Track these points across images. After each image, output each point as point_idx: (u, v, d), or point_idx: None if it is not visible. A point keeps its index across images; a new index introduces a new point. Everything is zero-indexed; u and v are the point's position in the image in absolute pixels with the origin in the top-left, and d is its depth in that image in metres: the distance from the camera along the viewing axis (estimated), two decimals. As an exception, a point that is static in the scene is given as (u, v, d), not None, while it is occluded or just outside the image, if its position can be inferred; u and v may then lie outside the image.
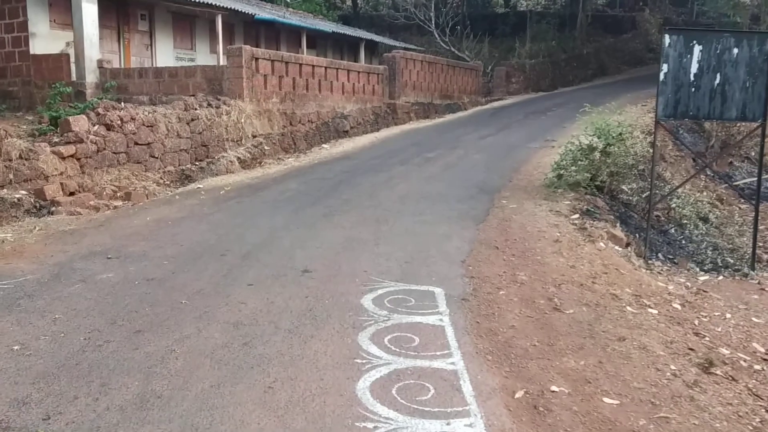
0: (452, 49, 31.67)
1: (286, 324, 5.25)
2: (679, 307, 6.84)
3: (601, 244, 8.37)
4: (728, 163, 18.47)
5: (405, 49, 25.78)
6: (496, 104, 26.54)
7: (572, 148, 10.80)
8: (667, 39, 8.97)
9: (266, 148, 14.62)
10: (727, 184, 14.68)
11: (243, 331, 5.09)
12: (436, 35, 31.93)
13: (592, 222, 9.05)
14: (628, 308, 6.21)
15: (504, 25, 36.50)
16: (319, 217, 9.11)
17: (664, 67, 9.00)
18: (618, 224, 9.45)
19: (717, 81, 9.03)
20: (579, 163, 10.55)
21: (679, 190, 11.53)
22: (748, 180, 16.39)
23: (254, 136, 14.58)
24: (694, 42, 8.97)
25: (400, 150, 15.47)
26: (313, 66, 17.25)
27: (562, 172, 10.53)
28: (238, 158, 13.65)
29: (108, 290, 6.01)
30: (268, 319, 5.35)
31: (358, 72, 19.66)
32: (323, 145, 16.29)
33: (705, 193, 14.20)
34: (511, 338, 5.18)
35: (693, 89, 9.03)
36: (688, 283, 8.28)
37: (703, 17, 41.37)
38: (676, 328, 5.91)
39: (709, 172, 17.91)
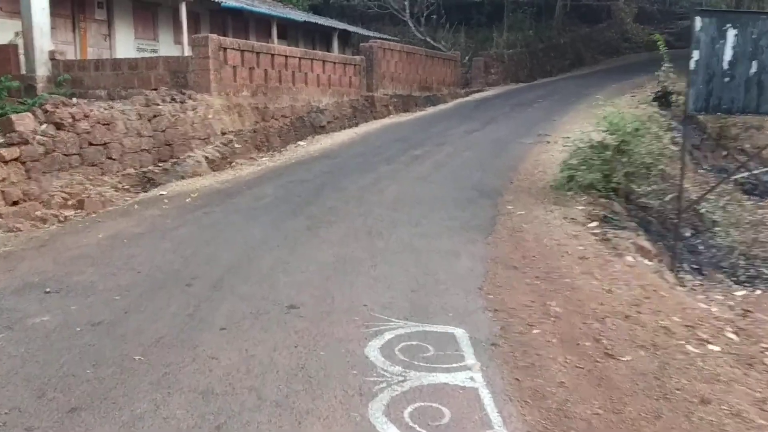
0: (427, 39, 30.46)
1: (272, 392, 4.00)
2: (735, 337, 5.76)
3: (630, 258, 7.27)
4: (722, 156, 17.62)
5: (380, 38, 24.48)
6: (477, 96, 25.34)
7: (582, 145, 9.64)
8: (698, 22, 7.83)
9: (237, 146, 13.27)
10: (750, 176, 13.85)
11: (215, 406, 3.82)
12: (411, 24, 30.69)
13: (614, 232, 7.94)
14: (689, 347, 5.08)
15: (479, 15, 35.35)
16: (302, 231, 7.84)
17: (695, 54, 7.86)
18: (641, 233, 8.35)
19: (753, 69, 7.93)
20: (590, 161, 9.40)
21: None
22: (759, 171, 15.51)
23: (224, 134, 13.22)
24: (728, 25, 7.85)
25: (384, 147, 14.21)
26: (286, 56, 15.88)
27: (573, 173, 9.35)
28: (206, 158, 12.30)
29: (41, 341, 4.70)
30: (247, 384, 4.09)
31: (334, 63, 18.30)
32: (299, 143, 14.94)
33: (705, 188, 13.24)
34: (564, 403, 4.00)
35: (727, 79, 7.93)
36: (729, 302, 7.23)
37: (676, 6, 40.76)
38: (755, 376, 4.78)
39: (706, 167, 17.09)
